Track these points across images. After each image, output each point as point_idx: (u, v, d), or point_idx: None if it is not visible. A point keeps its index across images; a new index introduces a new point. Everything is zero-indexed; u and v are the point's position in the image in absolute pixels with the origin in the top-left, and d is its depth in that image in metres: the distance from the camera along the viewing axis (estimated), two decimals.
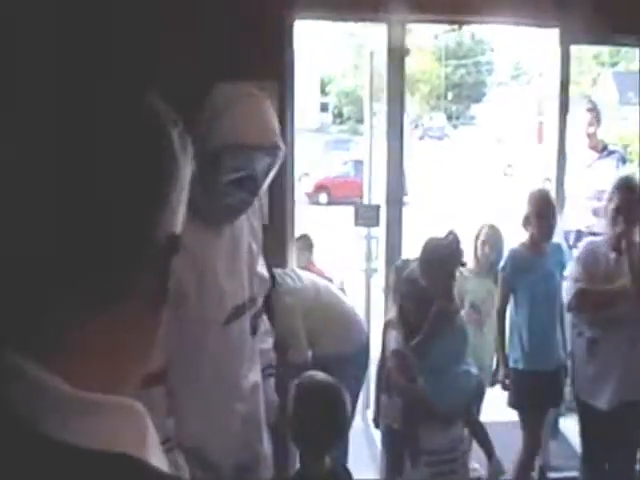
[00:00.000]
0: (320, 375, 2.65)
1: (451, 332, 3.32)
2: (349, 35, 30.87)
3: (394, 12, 3.37)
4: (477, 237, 4.13)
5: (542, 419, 3.85)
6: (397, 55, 3.64)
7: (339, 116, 34.62)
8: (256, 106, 2.59)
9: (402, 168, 4.14)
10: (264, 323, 2.90)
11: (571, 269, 3.60)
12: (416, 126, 35.68)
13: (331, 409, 2.52)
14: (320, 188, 20.12)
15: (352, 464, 3.26)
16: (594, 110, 5.02)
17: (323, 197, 19.70)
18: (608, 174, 4.50)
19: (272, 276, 3.38)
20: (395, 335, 3.40)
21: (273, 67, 3.14)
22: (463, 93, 39.19)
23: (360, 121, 33.48)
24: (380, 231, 4.22)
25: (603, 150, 5.02)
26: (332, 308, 3.65)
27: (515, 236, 3.95)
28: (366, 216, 4.10)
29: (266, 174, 2.56)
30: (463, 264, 3.52)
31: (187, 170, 0.74)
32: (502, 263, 3.80)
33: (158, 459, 0.73)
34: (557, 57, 3.82)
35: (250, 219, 2.78)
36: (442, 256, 3.32)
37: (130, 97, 0.71)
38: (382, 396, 3.63)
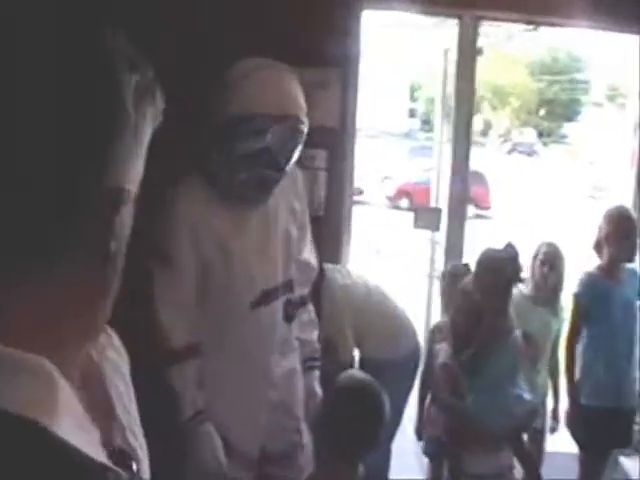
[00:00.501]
0: (360, 374, 2.55)
1: (504, 350, 3.18)
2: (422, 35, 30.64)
3: (467, 8, 3.28)
4: (535, 257, 3.74)
5: (606, 459, 3.63)
6: (468, 54, 3.54)
7: (427, 123, 34.37)
8: (274, 77, 2.52)
9: (466, 173, 4.00)
10: (308, 313, 2.83)
11: None
12: (505, 140, 35.18)
13: (367, 410, 2.34)
14: (401, 193, 20.06)
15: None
16: None
17: (404, 202, 19.49)
18: None
19: (322, 270, 3.33)
20: (445, 348, 3.29)
21: (337, 55, 3.07)
22: (556, 110, 38.35)
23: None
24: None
25: None
26: (382, 309, 3.56)
27: (584, 261, 3.77)
28: (426, 219, 3.99)
29: (286, 148, 2.48)
30: (521, 280, 3.34)
31: (145, 122, 0.68)
32: (576, 288, 3.57)
33: (72, 426, 0.66)
34: None
35: (291, 203, 2.71)
36: (498, 269, 3.18)
37: (76, 29, 0.64)
38: (429, 406, 3.53)
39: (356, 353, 3.64)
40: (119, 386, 1.59)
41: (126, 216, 0.69)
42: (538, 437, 3.73)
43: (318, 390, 2.83)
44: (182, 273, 2.49)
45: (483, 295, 3.14)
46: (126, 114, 0.65)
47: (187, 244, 2.47)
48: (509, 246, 3.22)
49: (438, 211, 3.91)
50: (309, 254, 2.83)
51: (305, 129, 2.49)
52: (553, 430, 3.78)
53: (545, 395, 3.73)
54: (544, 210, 18.60)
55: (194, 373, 2.55)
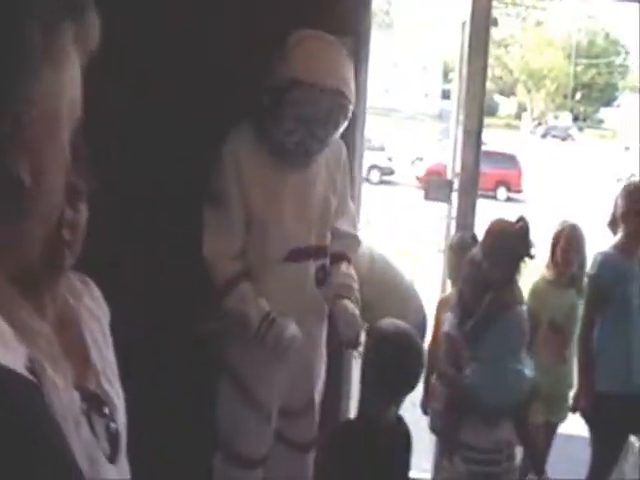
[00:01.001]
0: (397, 322, 2.64)
1: (507, 324, 3.15)
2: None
3: None
4: (557, 239, 3.60)
5: (622, 447, 3.56)
6: (482, 26, 3.49)
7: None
8: (325, 49, 2.65)
9: (478, 148, 3.92)
10: (345, 266, 2.87)
11: None
12: (539, 123, 34.82)
13: (407, 354, 2.48)
14: (431, 174, 19.87)
15: None
16: None
17: None
18: None
19: None
20: (450, 318, 3.28)
21: (346, 24, 3.06)
22: (592, 95, 37.91)
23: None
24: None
25: None
26: (388, 280, 3.55)
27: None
28: (437, 191, 3.97)
29: (330, 120, 2.58)
30: (531, 256, 3.28)
31: (64, 40, 0.67)
32: (591, 270, 3.45)
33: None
34: None
35: (333, 174, 2.79)
36: (507, 242, 3.15)
37: None
38: (433, 380, 3.52)
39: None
40: (95, 333, 1.62)
41: (49, 143, 0.67)
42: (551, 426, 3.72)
43: (357, 317, 2.83)
44: (229, 206, 2.63)
45: (490, 266, 3.11)
46: (24, 30, 0.62)
47: (233, 181, 2.61)
48: (521, 220, 3.19)
49: (449, 183, 3.88)
50: (347, 226, 2.89)
51: (350, 106, 2.63)
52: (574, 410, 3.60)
53: (571, 386, 3.62)
54: (577, 195, 18.41)
55: (252, 291, 2.64)
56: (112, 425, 1.52)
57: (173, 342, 2.98)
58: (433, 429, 3.54)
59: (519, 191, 19.33)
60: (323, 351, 2.88)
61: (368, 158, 19.33)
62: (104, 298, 1.63)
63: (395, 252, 3.72)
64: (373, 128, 21.93)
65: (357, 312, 2.80)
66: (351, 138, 3.13)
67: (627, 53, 39.28)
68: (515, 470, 3.26)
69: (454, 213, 4.03)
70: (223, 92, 2.91)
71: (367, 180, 18.84)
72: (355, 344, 2.81)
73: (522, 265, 3.20)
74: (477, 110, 3.68)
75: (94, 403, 1.50)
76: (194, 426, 2.92)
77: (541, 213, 13.82)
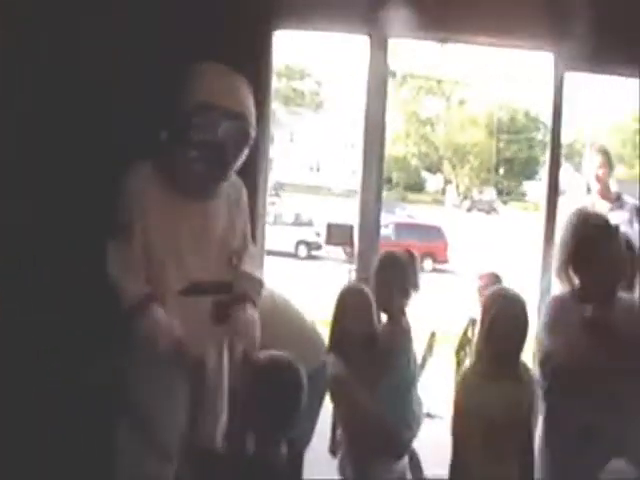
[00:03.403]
0: (277, 353, 2.63)
1: (404, 355, 3.16)
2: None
3: (376, 26, 3.30)
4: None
5: None
6: (379, 77, 3.55)
7: (388, 182, 34.85)
8: (229, 76, 2.73)
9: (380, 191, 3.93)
10: (247, 308, 2.96)
11: None
12: (465, 197, 35.56)
13: (286, 385, 2.48)
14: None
15: None
16: (605, 153, 4.61)
17: None
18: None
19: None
20: (334, 359, 3.25)
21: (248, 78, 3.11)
22: (515, 169, 38.98)
23: (409, 188, 33.64)
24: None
25: (617, 200, 4.59)
26: (289, 322, 3.51)
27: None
28: (338, 235, 4.06)
29: (234, 146, 2.68)
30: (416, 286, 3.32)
31: None
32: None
33: None
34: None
35: (232, 213, 2.85)
36: (397, 271, 3.18)
37: None
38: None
39: None
40: None
41: None
42: None
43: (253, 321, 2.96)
44: (132, 236, 2.69)
45: (380, 294, 3.16)
46: None
47: (134, 215, 2.69)
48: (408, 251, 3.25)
49: (350, 227, 3.94)
50: (252, 268, 2.91)
51: (252, 134, 2.69)
52: None
53: None
54: (502, 263, 18.68)
55: (161, 312, 2.69)
56: None
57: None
58: (343, 475, 3.49)
59: (444, 261, 19.61)
60: (224, 387, 2.89)
61: (296, 234, 19.58)
62: None
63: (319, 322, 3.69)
64: (302, 205, 22.18)
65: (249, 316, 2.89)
66: (253, 179, 3.12)
67: (546, 128, 40.58)
68: None
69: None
70: (124, 126, 2.90)
71: (295, 255, 18.99)
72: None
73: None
74: (377, 168, 3.70)
75: None
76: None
77: (467, 282, 14.06)
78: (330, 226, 4.21)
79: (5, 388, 2.87)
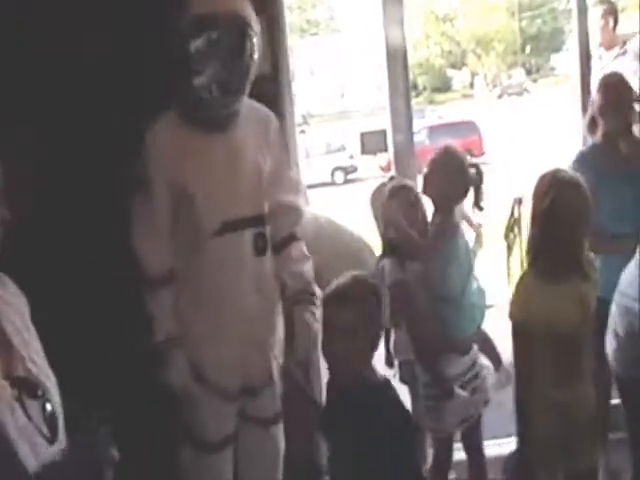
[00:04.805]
0: (355, 273, 2.42)
1: (455, 249, 3.17)
2: None
3: None
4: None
5: None
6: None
7: (414, 88, 34.16)
8: None
9: (408, 96, 3.87)
10: (299, 249, 2.95)
11: None
12: (494, 86, 34.87)
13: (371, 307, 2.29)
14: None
15: None
16: (608, 2, 4.48)
17: None
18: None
19: None
20: (390, 264, 3.27)
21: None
22: (541, 45, 37.99)
23: (436, 90, 33.08)
24: None
25: (622, 48, 4.47)
26: (336, 241, 3.57)
27: None
28: (372, 143, 3.99)
29: (236, 49, 2.59)
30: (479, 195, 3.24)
31: None
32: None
33: None
34: None
35: (261, 142, 2.82)
36: (460, 166, 3.14)
37: None
38: (393, 332, 3.52)
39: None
40: (15, 322, 1.65)
41: None
42: None
43: (312, 323, 2.85)
44: (156, 198, 2.65)
45: (434, 191, 3.10)
46: None
47: (156, 165, 2.63)
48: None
49: (383, 133, 3.89)
50: (291, 197, 2.89)
51: (254, 36, 2.61)
52: None
53: None
54: (541, 146, 18.41)
55: (169, 300, 2.70)
56: (47, 406, 1.55)
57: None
58: (403, 380, 3.56)
59: (481, 155, 19.39)
60: (276, 323, 2.89)
61: (330, 161, 19.42)
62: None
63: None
64: (332, 133, 21.93)
65: (312, 322, 2.82)
66: (280, 116, 3.17)
67: None
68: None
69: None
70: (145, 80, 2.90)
71: (333, 183, 18.93)
72: (300, 358, 2.93)
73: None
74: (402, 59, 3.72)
75: (25, 388, 1.53)
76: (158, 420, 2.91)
77: (506, 173, 13.90)
78: (363, 135, 4.18)
79: None
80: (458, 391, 3.09)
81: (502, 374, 3.52)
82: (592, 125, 3.38)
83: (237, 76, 2.63)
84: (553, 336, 2.50)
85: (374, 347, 2.30)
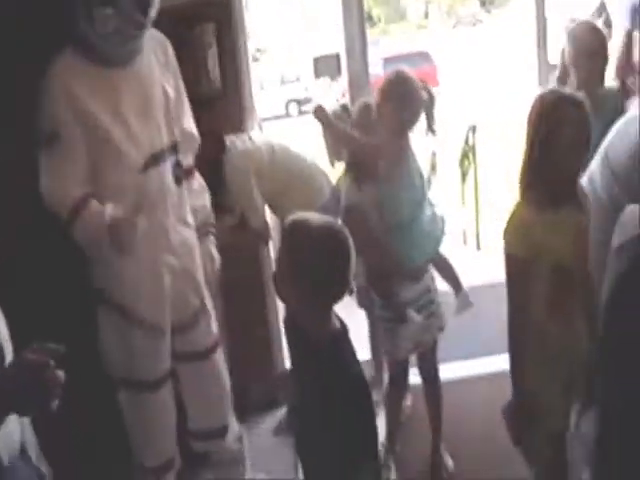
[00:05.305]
0: (316, 216, 2.04)
1: (408, 176, 3.13)
2: None
3: None
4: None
5: None
6: None
7: (369, 19, 33.64)
8: None
9: (362, 22, 3.80)
10: (197, 180, 2.87)
11: None
12: (448, 16, 34.62)
13: (341, 252, 1.98)
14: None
15: None
16: None
17: None
18: None
19: (222, 142, 3.29)
20: (346, 187, 3.23)
21: None
22: None
23: (391, 21, 32.72)
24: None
25: None
26: (290, 167, 3.53)
27: None
28: (325, 66, 3.90)
29: None
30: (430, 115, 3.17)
31: None
32: None
33: None
34: None
35: (164, 69, 2.72)
36: (411, 89, 3.07)
37: None
38: None
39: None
40: None
41: None
42: None
43: (216, 254, 2.99)
44: (70, 142, 2.50)
45: (395, 110, 3.03)
46: None
47: (65, 110, 2.48)
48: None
49: (336, 56, 3.82)
50: (190, 123, 2.85)
51: None
52: None
53: None
54: (495, 74, 18.46)
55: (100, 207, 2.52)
56: None
57: None
58: (362, 305, 3.56)
59: (436, 85, 19.33)
60: (197, 251, 2.89)
61: (285, 93, 19.16)
62: None
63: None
64: (287, 64, 21.62)
65: (216, 253, 2.96)
66: (233, 47, 3.03)
67: None
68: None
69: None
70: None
71: (287, 115, 18.68)
72: (211, 283, 2.94)
73: None
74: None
75: None
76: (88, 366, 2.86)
77: (460, 103, 13.88)
78: (316, 60, 4.09)
79: None
80: (412, 315, 3.08)
81: (461, 299, 3.54)
82: (564, 75, 3.31)
83: (141, 9, 2.52)
84: (552, 268, 2.37)
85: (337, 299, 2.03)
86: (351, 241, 1.99)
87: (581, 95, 2.37)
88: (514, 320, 2.42)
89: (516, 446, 2.47)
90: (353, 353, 2.05)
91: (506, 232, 2.44)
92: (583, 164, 2.47)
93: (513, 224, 2.45)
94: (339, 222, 2.05)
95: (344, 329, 2.04)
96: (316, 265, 1.93)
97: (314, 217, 2.01)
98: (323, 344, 1.99)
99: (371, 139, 3.08)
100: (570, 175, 2.40)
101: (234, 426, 3.16)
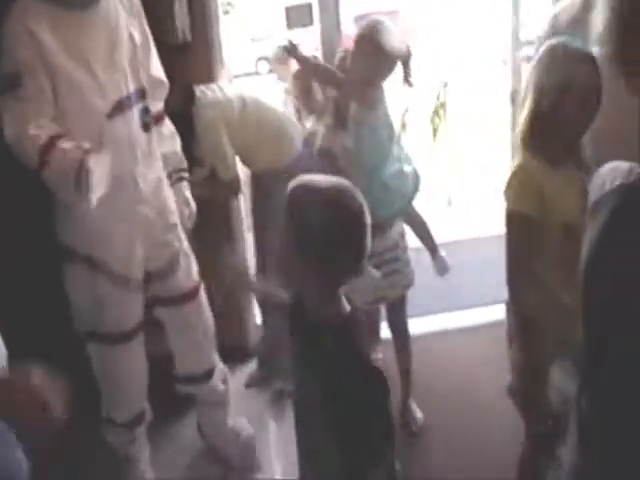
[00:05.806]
0: (323, 178, 1.79)
1: (375, 123, 3.10)
2: None
3: None
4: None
5: None
6: None
7: None
8: None
9: None
10: (167, 127, 2.82)
11: None
12: None
13: (355, 217, 1.77)
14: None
15: None
16: None
17: None
18: None
19: (191, 92, 3.23)
20: (322, 131, 3.20)
21: None
22: None
23: None
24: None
25: None
26: (261, 119, 3.48)
27: None
28: (297, 16, 3.86)
29: None
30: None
31: None
32: None
33: None
34: None
35: (125, 8, 2.67)
36: (387, 40, 3.03)
37: None
38: None
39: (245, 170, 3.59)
40: None
41: None
42: None
43: (191, 199, 3.00)
44: (35, 87, 2.40)
45: (368, 59, 3.00)
46: None
47: (30, 52, 2.38)
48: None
49: (308, 6, 3.78)
50: (158, 69, 2.79)
51: None
52: None
53: None
54: (464, 35, 18.38)
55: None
56: None
57: None
58: None
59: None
60: (170, 197, 2.85)
61: (255, 50, 18.88)
62: None
63: None
64: (258, 22, 21.31)
65: (189, 196, 2.99)
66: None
67: None
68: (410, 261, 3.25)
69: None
70: None
71: (257, 73, 18.43)
72: (187, 227, 2.96)
73: None
74: None
75: None
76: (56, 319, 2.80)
77: (432, 60, 13.82)
78: (288, 9, 4.03)
79: None
80: (369, 269, 3.05)
81: (438, 262, 3.52)
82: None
83: None
84: (557, 225, 2.26)
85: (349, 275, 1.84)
86: (366, 206, 1.77)
87: (591, 51, 2.25)
88: (514, 276, 2.32)
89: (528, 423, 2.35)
90: (366, 340, 1.86)
91: (509, 187, 2.32)
92: (593, 120, 2.33)
93: (519, 179, 2.32)
94: (348, 183, 1.77)
95: (355, 312, 1.84)
96: (326, 233, 1.68)
97: (320, 178, 1.76)
98: (334, 328, 1.76)
99: (348, 80, 3.08)
100: (580, 130, 2.32)
101: (219, 367, 3.16)
